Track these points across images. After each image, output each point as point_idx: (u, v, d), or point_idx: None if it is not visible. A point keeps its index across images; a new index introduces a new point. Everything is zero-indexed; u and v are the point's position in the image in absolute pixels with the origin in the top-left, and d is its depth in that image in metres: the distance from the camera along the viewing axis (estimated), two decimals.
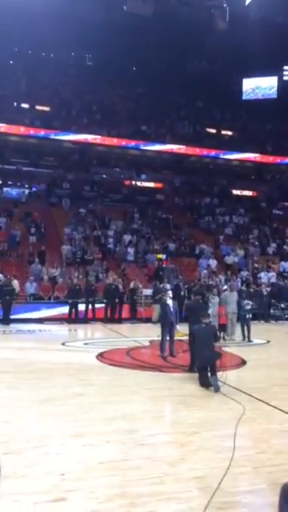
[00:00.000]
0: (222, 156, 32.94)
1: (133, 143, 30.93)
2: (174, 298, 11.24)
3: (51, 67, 33.63)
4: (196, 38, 27.44)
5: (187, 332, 9.60)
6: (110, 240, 23.49)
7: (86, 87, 33.69)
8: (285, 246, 25.81)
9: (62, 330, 15.77)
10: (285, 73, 36.51)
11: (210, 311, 11.52)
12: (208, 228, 27.49)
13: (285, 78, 36.38)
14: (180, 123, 34.59)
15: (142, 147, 31.09)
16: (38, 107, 30.66)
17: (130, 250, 22.75)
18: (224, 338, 13.29)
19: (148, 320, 17.57)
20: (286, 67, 36.39)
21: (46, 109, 30.85)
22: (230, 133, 35.42)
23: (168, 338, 10.40)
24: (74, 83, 33.83)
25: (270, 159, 33.94)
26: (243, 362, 10.19)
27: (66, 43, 32.28)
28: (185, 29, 27.02)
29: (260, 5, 24.21)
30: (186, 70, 35.68)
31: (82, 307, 17.27)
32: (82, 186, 28.97)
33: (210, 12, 17.61)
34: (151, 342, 12.58)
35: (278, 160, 33.91)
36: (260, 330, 14.83)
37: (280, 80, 35.80)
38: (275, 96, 35.33)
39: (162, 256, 22.66)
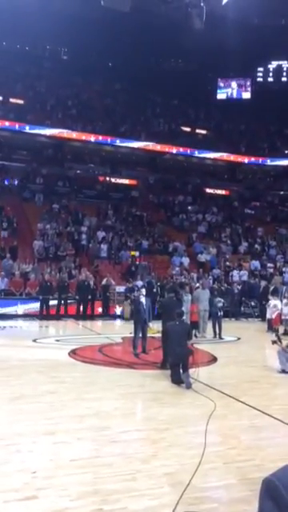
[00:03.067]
0: (195, 154, 33.16)
1: (108, 139, 30.80)
2: (146, 295, 11.30)
3: (26, 60, 33.13)
4: (172, 37, 27.47)
5: (160, 329, 9.65)
6: (84, 236, 23.36)
7: (62, 81, 33.32)
8: (256, 245, 26.22)
9: (34, 326, 15.62)
10: (258, 74, 37.02)
11: (183, 309, 11.63)
12: (181, 226, 27.64)
13: (258, 79, 36.89)
14: (155, 121, 34.63)
15: (117, 143, 31.00)
16: (12, 100, 30.11)
17: (104, 247, 22.69)
18: (196, 335, 13.42)
19: (120, 317, 17.58)
20: (259, 68, 36.90)
21: (20, 102, 30.35)
22: (204, 132, 35.65)
23: (140, 335, 10.46)
24: (49, 77, 33.42)
25: (242, 159, 34.35)
26: (214, 359, 10.34)
27: (41, 36, 31.84)
28: (162, 27, 27.03)
29: (236, 5, 24.43)
30: (161, 68, 35.74)
31: (53, 303, 17.15)
32: (55, 181, 28.65)
33: (187, 11, 17.58)
34: (123, 338, 12.61)
35: (250, 160, 34.36)
36: (231, 328, 15.06)
37: (254, 81, 36.29)
38: (249, 97, 35.79)
39: (136, 253, 22.69)
